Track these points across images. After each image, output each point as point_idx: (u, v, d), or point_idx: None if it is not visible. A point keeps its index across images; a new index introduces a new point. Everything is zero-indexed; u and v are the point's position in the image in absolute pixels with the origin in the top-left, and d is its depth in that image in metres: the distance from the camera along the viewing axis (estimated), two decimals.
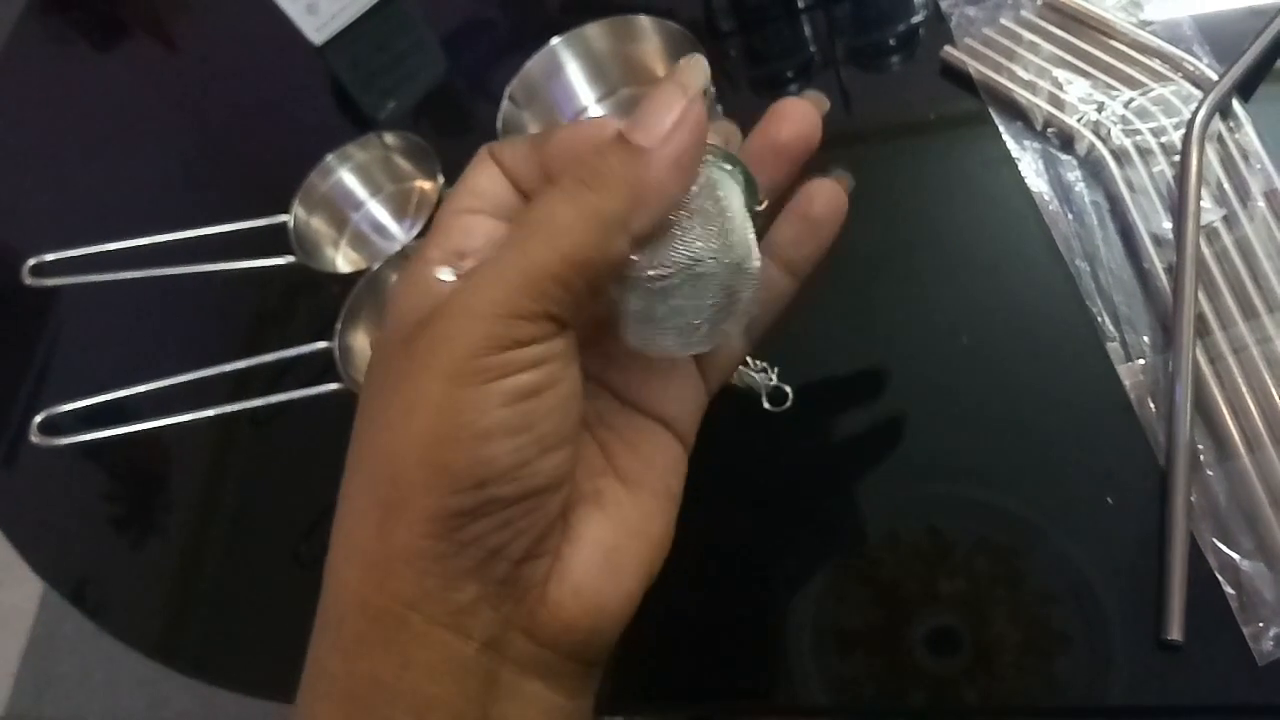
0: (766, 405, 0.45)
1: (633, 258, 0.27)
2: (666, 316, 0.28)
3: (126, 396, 0.52)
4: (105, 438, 0.51)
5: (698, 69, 0.28)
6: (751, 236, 0.29)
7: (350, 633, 0.25)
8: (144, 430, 0.51)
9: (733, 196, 0.29)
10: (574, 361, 0.27)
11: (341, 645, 0.26)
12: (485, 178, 0.30)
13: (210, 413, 0.50)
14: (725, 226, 0.28)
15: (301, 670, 0.28)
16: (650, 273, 0.27)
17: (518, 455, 0.25)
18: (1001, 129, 0.48)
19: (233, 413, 0.50)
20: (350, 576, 0.26)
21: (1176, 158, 0.44)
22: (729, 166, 0.29)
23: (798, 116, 0.31)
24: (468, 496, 0.25)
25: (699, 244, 0.27)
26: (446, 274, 0.28)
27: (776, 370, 0.46)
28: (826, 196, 0.33)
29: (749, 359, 0.46)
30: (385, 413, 0.26)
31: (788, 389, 0.45)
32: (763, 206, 0.30)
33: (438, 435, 0.25)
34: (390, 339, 0.27)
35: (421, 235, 0.53)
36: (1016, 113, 0.48)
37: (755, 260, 0.29)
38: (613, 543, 0.29)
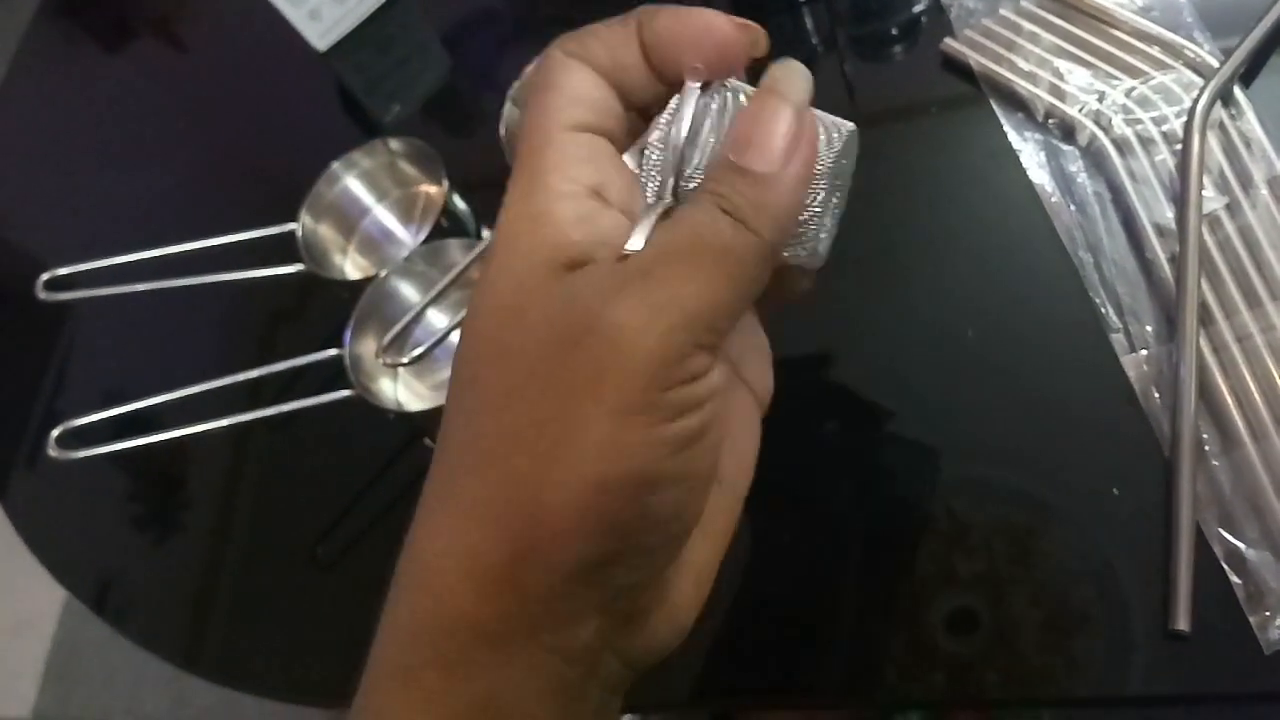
0: None
1: None
2: (796, 241, 0.27)
3: (142, 408, 0.53)
4: (121, 449, 0.52)
5: (796, 75, 0.26)
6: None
7: (458, 652, 0.24)
8: (159, 441, 0.51)
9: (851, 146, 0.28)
10: (727, 396, 0.25)
11: (444, 663, 0.24)
12: (581, 81, 0.26)
13: (224, 422, 0.50)
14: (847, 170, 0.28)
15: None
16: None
17: (676, 505, 0.24)
18: (1002, 120, 0.48)
19: (247, 421, 0.51)
20: (465, 599, 0.24)
21: (1178, 146, 0.44)
22: (850, 126, 0.27)
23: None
24: (619, 545, 0.23)
25: (835, 196, 0.27)
26: (637, 240, 0.24)
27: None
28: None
29: None
30: (530, 436, 0.23)
31: None
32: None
33: (602, 482, 0.23)
34: (533, 326, 0.23)
35: (432, 238, 0.53)
36: (1017, 104, 0.48)
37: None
38: (706, 562, 0.27)
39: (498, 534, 0.24)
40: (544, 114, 0.25)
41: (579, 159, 0.25)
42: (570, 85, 0.26)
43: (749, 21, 0.26)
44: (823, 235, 0.28)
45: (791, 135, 0.24)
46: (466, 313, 0.25)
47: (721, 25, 0.26)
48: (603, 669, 0.26)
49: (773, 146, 0.24)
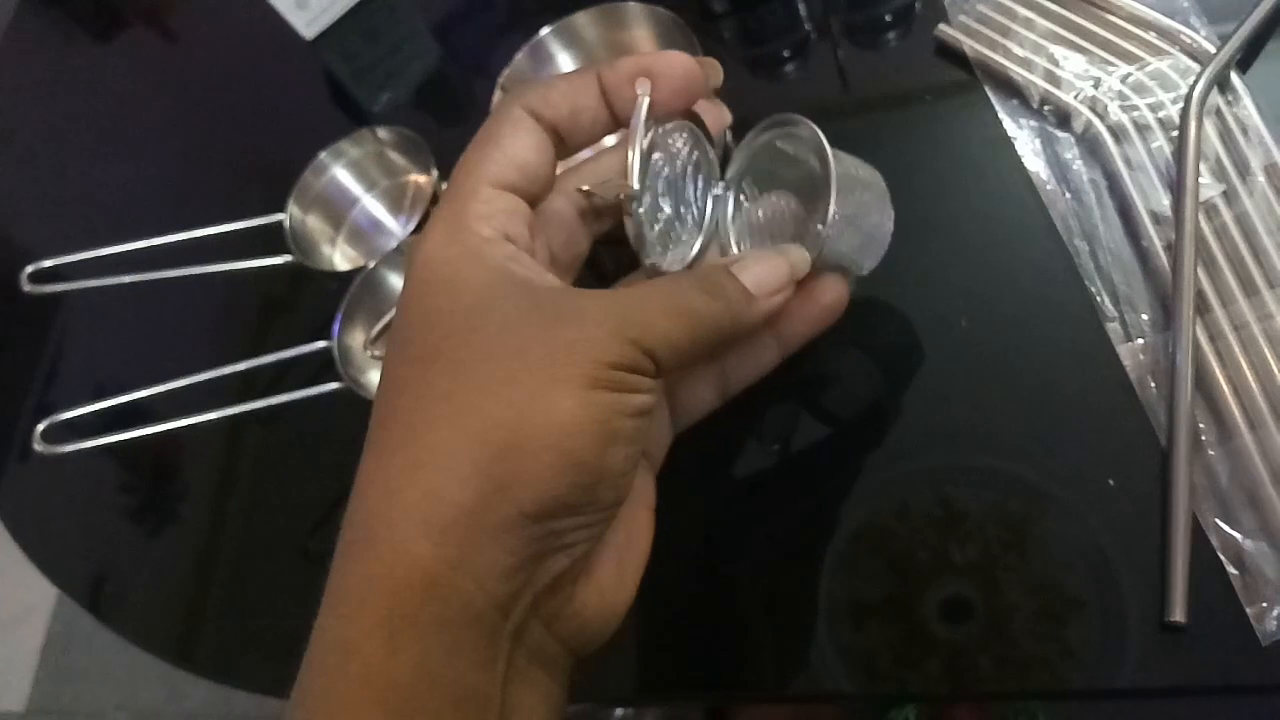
0: None
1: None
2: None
3: (129, 401, 0.52)
4: (108, 444, 0.51)
5: (801, 263, 0.33)
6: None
7: (403, 613, 0.25)
8: (148, 435, 0.51)
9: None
10: (656, 412, 0.32)
11: (387, 629, 0.25)
12: (524, 146, 0.30)
13: (212, 415, 0.50)
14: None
15: (299, 668, 0.27)
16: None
17: (627, 464, 0.28)
18: (997, 107, 0.48)
19: (236, 414, 0.50)
20: (422, 547, 0.25)
21: (1175, 133, 0.44)
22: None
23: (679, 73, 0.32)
24: (582, 491, 0.26)
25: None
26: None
27: None
28: (836, 292, 0.37)
29: None
30: (506, 390, 0.26)
31: None
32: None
33: (575, 426, 0.26)
34: (508, 308, 0.28)
35: (421, 228, 0.52)
36: (1012, 90, 0.48)
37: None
38: (622, 552, 0.31)
39: (469, 474, 0.26)
40: (479, 165, 0.30)
41: (501, 210, 0.29)
42: (513, 147, 0.30)
43: (708, 58, 0.32)
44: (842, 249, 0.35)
45: (779, 287, 0.32)
46: (409, 304, 0.29)
47: (683, 60, 0.31)
48: (528, 636, 0.28)
49: (766, 284, 0.32)
